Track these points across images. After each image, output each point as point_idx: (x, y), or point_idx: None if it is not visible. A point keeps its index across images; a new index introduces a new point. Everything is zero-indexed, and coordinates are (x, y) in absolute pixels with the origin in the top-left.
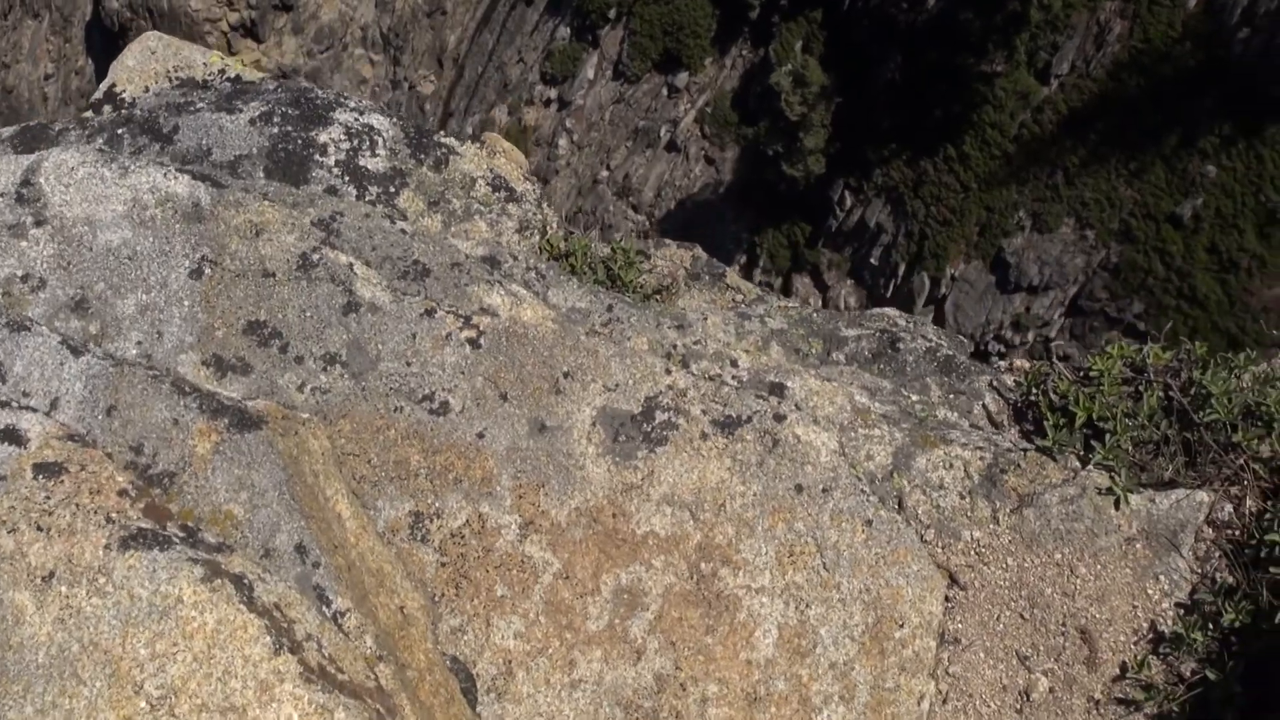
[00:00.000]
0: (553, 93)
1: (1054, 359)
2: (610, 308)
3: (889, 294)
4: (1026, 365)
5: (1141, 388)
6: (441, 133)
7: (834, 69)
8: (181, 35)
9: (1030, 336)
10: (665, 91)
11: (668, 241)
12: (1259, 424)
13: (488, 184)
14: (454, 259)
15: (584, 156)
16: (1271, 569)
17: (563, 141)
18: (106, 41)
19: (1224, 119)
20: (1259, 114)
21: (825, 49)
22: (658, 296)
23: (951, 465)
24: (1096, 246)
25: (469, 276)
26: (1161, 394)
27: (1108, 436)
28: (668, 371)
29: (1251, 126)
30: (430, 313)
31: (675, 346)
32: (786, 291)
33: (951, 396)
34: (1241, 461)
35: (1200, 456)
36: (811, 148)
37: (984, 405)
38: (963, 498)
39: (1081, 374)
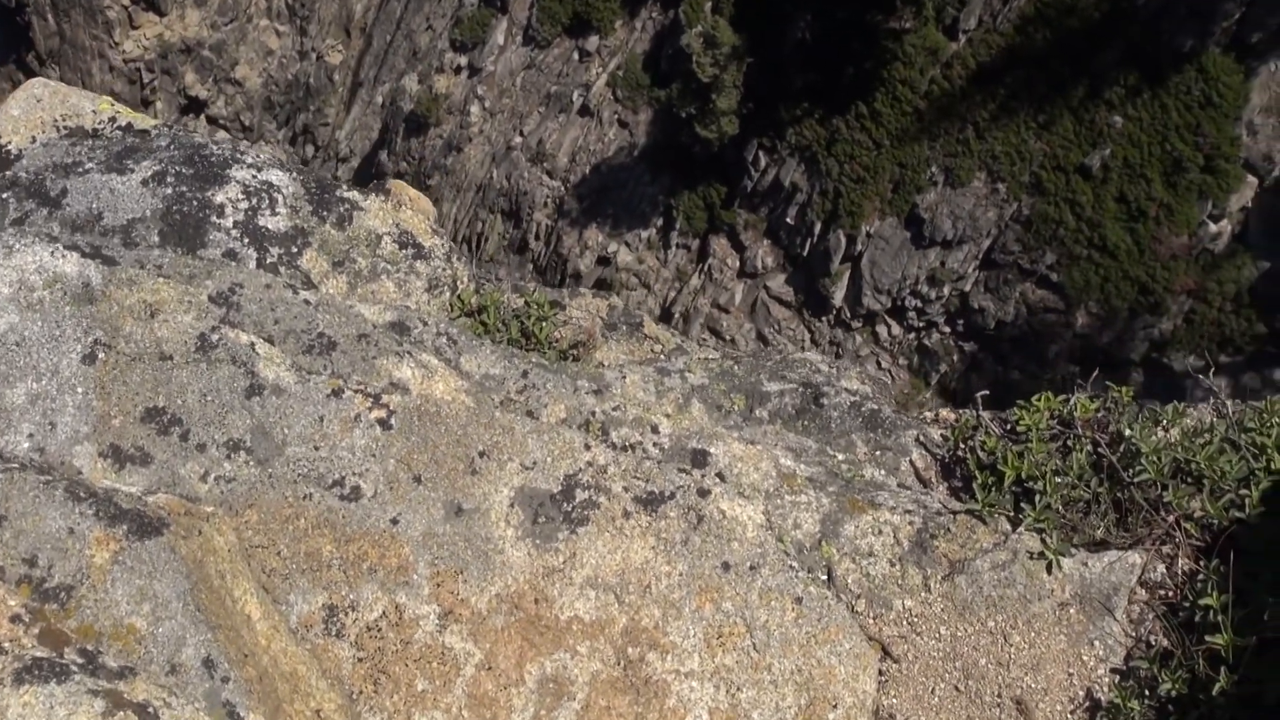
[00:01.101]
0: (463, 60)
1: (980, 411)
2: (525, 373)
3: (805, 253)
4: (953, 417)
5: (1070, 442)
6: (344, 185)
7: (744, 29)
8: (82, 13)
9: (946, 291)
10: (576, 56)
11: (583, 291)
12: (1189, 481)
13: (394, 241)
14: (360, 329)
15: (496, 123)
16: (1206, 637)
17: (474, 109)
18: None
19: (1129, 70)
20: (1163, 64)
21: (735, 9)
22: (575, 351)
23: (881, 531)
24: (1008, 199)
25: (377, 348)
26: (1090, 450)
27: (1037, 496)
28: (587, 447)
29: (1156, 76)
30: (337, 393)
31: (594, 414)
32: (703, 254)
33: (878, 453)
34: (1173, 520)
35: (1131, 515)
36: (724, 109)
37: (911, 461)
38: (893, 565)
39: (1008, 427)
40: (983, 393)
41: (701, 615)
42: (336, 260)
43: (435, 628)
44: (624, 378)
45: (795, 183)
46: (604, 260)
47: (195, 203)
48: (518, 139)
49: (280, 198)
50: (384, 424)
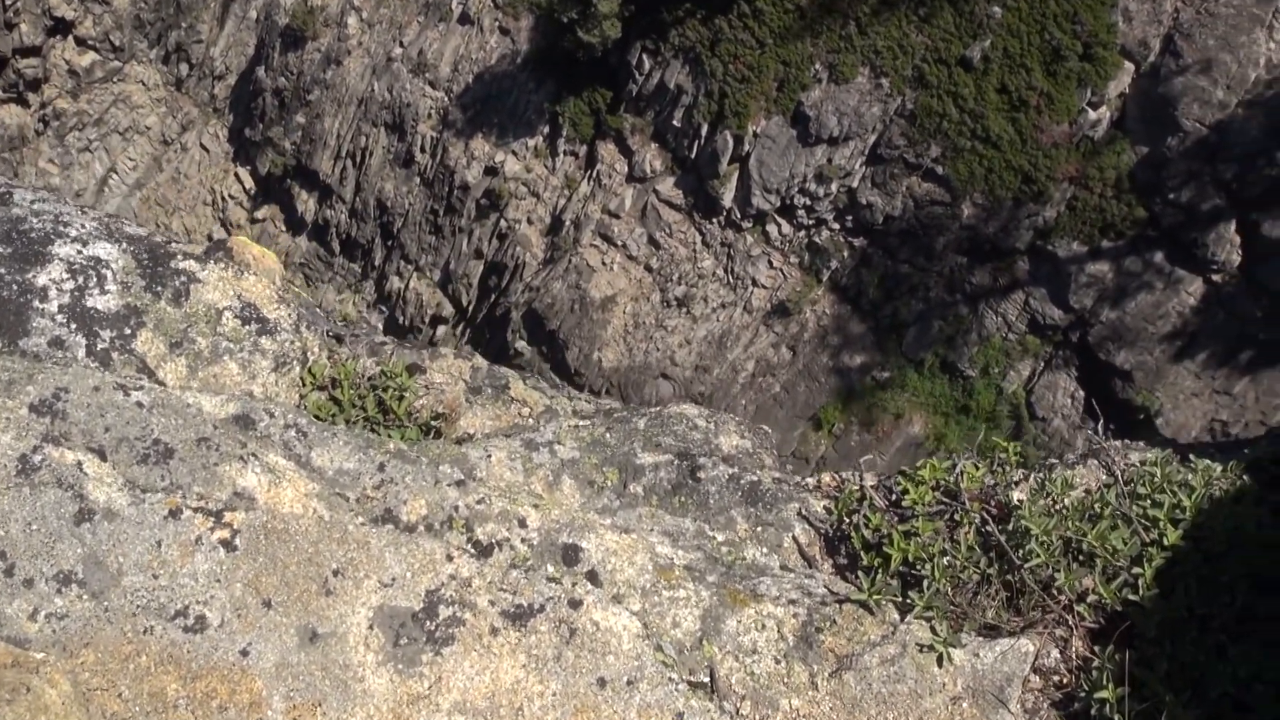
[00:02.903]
0: None
1: (863, 479)
2: (382, 466)
3: (693, 155)
4: (835, 481)
5: (958, 516)
6: (179, 255)
7: None
8: None
9: (834, 188)
10: None
11: (444, 351)
12: (1081, 560)
13: (236, 316)
14: (200, 432)
15: (375, 35)
16: None
17: (352, 20)
18: None
19: None
20: None
21: None
22: (437, 424)
23: (764, 626)
24: (891, 94)
25: (218, 453)
26: (979, 525)
27: (925, 581)
28: (449, 558)
29: None
30: (175, 513)
31: (457, 508)
32: (591, 160)
33: (759, 530)
34: (1065, 602)
35: (1023, 597)
36: (606, 12)
37: (794, 537)
38: (778, 662)
39: (893, 499)
40: (866, 458)
41: None
42: (174, 341)
43: None
44: (489, 456)
45: (680, 85)
46: (491, 170)
47: (15, 287)
48: (398, 50)
49: (110, 274)
50: (228, 545)
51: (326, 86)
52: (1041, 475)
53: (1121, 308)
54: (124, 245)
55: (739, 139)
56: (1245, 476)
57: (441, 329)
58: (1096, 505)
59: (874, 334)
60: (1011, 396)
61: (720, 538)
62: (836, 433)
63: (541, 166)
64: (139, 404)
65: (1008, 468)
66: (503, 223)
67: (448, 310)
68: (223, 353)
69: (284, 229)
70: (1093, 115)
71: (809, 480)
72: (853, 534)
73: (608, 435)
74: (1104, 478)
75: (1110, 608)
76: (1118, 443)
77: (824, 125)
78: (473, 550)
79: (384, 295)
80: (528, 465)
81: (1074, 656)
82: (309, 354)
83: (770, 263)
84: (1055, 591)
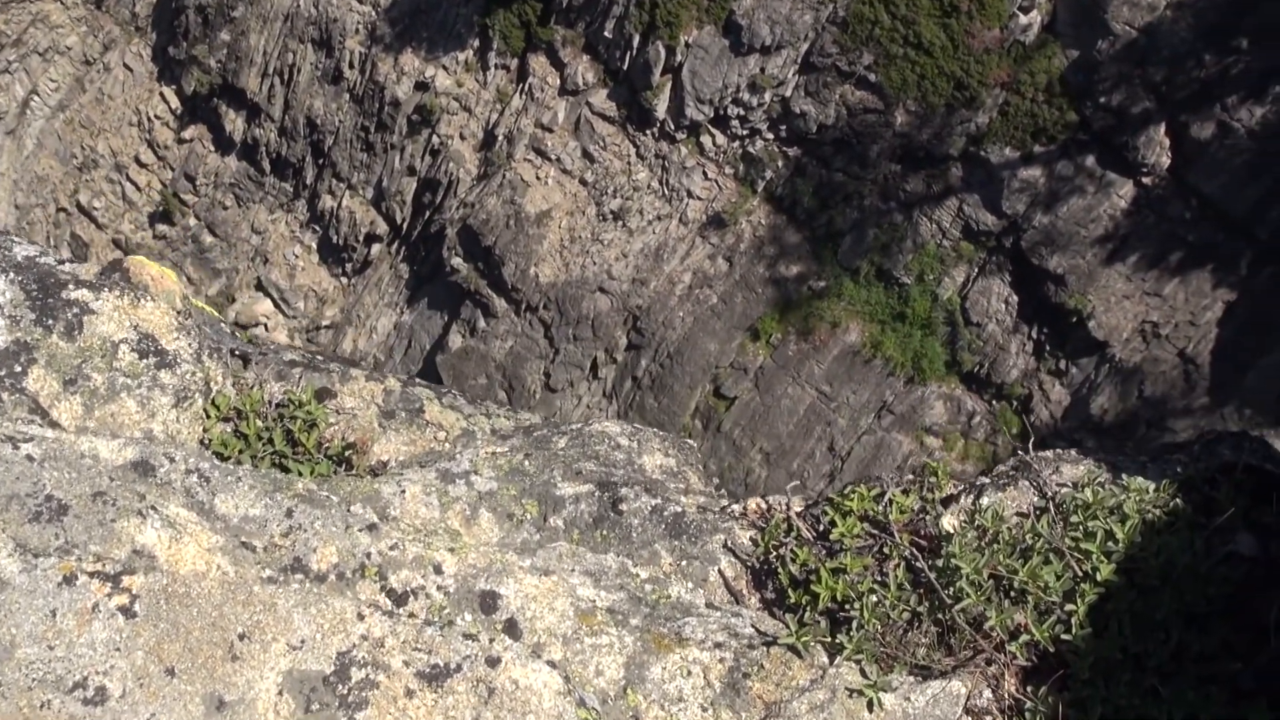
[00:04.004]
0: None
1: (790, 507)
2: (290, 511)
3: (625, 66)
4: (761, 509)
5: (887, 549)
6: (71, 283)
7: None
8: None
9: (767, 97)
10: None
11: (354, 373)
12: (1012, 597)
13: (133, 349)
14: (96, 485)
15: None
16: None
17: None
18: None
19: None
20: None
21: None
22: (349, 454)
23: (690, 672)
24: (823, 1)
25: (116, 508)
26: (908, 559)
27: (855, 621)
28: (360, 616)
29: None
30: (70, 580)
31: (369, 556)
32: (522, 74)
33: (684, 563)
34: (997, 640)
35: (954, 636)
36: None
37: (720, 571)
38: (705, 710)
39: (820, 530)
40: (792, 484)
41: None
42: (68, 379)
43: None
44: (403, 492)
45: None
46: (422, 86)
47: None
48: None
49: None
50: (127, 611)
51: (251, 2)
52: (972, 499)
53: (1054, 212)
54: (11, 275)
55: (671, 50)
56: (1178, 498)
57: (376, 247)
58: (1028, 537)
59: (809, 243)
60: (946, 303)
61: (644, 574)
62: (774, 342)
63: (473, 81)
64: (29, 457)
65: (936, 491)
66: (435, 139)
67: (382, 228)
68: (120, 389)
69: (212, 149)
70: (1023, 19)
71: (734, 507)
72: (780, 569)
73: (526, 463)
74: (1035, 500)
75: (1043, 646)
76: (1048, 454)
77: (756, 34)
78: (387, 600)
79: (316, 214)
80: (444, 499)
81: (1006, 697)
82: (212, 384)
83: (705, 174)
84: (987, 630)
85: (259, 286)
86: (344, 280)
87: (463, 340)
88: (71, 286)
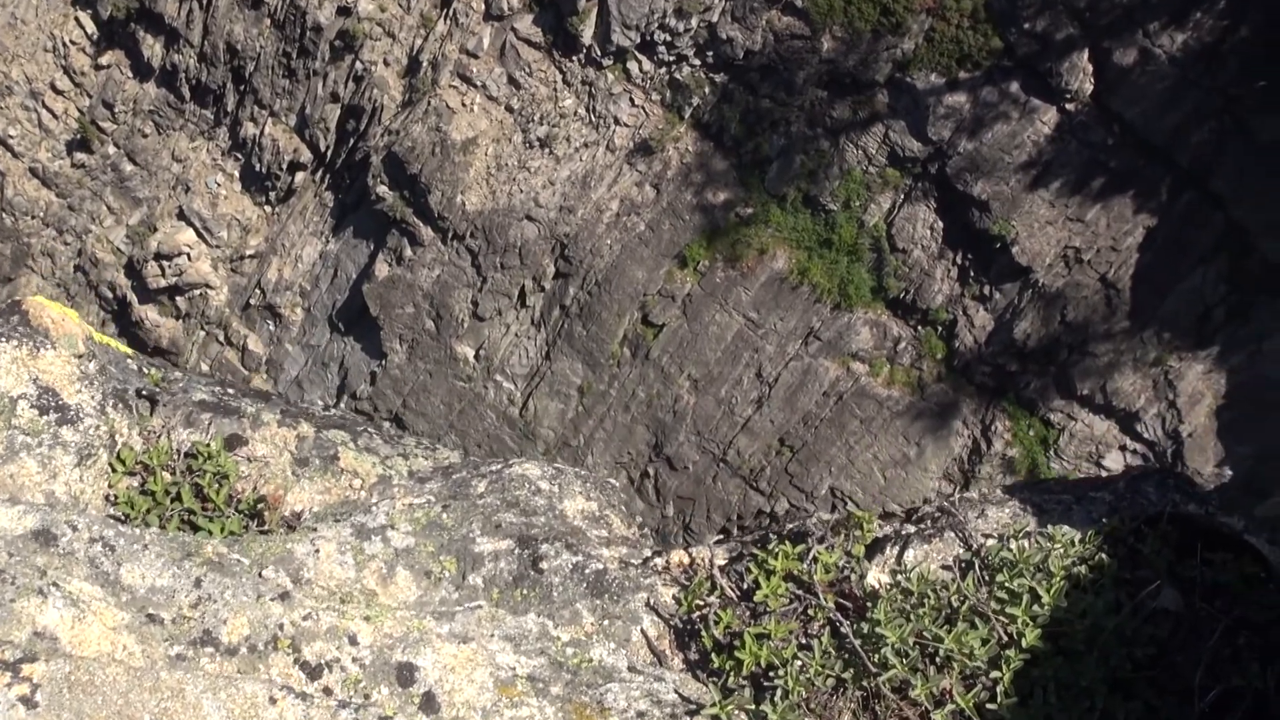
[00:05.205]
0: None
1: (713, 562)
2: (199, 581)
3: None
4: (684, 563)
5: (812, 610)
6: None
7: None
8: None
9: (694, 23)
10: None
11: (266, 418)
12: (937, 663)
13: (32, 405)
14: None
15: None
16: None
17: None
18: None
19: None
20: None
21: None
22: (261, 506)
23: None
24: None
25: (15, 587)
26: (834, 625)
27: (779, 689)
28: (272, 700)
29: None
30: None
31: (282, 627)
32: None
33: (606, 623)
34: (923, 708)
35: (879, 703)
36: None
37: (643, 630)
38: None
39: (744, 588)
40: (716, 539)
41: None
42: None
43: None
44: (317, 551)
45: None
46: (344, 10)
47: None
48: None
49: None
50: (28, 702)
51: None
52: (897, 551)
53: (978, 138)
54: None
55: None
56: (1103, 552)
57: (300, 175)
58: (954, 599)
59: (736, 170)
60: (873, 229)
61: (565, 637)
62: (702, 270)
63: (396, 5)
64: None
65: (861, 542)
66: (358, 65)
67: (305, 156)
68: (19, 449)
69: (130, 75)
70: None
71: (657, 561)
72: (703, 631)
73: (444, 515)
74: (961, 552)
75: (968, 715)
76: (973, 495)
77: None
78: (301, 673)
79: (239, 142)
80: (359, 557)
81: None
82: (117, 436)
83: (632, 101)
84: (913, 697)
85: (181, 216)
86: (268, 209)
87: (389, 269)
88: None
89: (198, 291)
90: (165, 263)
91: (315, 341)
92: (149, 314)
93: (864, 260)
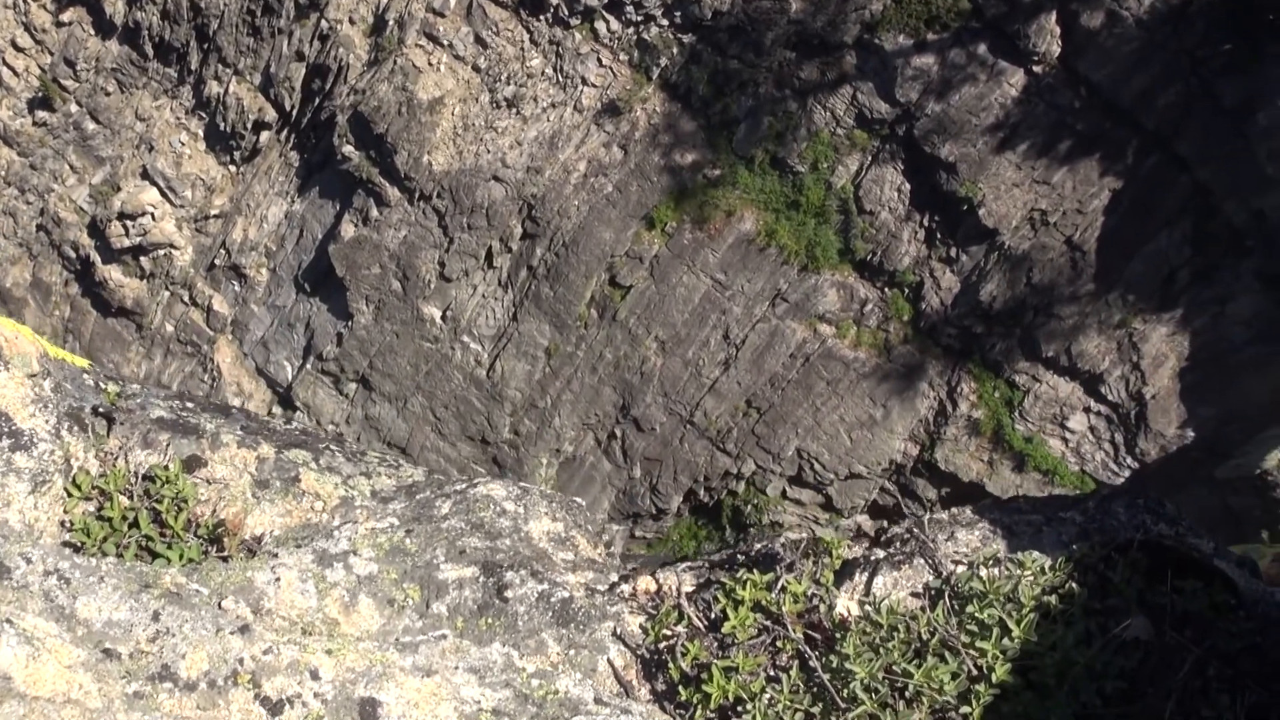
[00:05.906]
0: None
1: (680, 589)
2: (156, 615)
3: None
4: (651, 590)
5: (780, 642)
6: None
7: None
8: None
9: None
10: None
11: (226, 438)
12: (907, 697)
13: None
14: None
15: None
16: None
17: None
18: None
19: None
20: None
21: None
22: (221, 530)
23: None
24: None
25: None
26: (802, 659)
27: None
28: None
29: None
30: None
31: (242, 662)
32: None
33: (572, 653)
34: None
35: None
36: None
37: (609, 660)
38: None
39: (711, 619)
40: (684, 565)
41: None
42: None
43: None
44: (278, 580)
45: None
46: None
47: None
48: None
49: None
50: None
51: None
52: (866, 578)
53: (946, 100)
54: None
55: None
56: (1073, 580)
57: (265, 135)
58: (924, 631)
59: (704, 131)
60: (840, 191)
61: (530, 668)
62: (669, 231)
63: None
64: None
65: (830, 569)
66: (324, 23)
67: (270, 115)
68: None
69: (92, 32)
70: None
71: (624, 587)
72: (671, 662)
73: (408, 540)
74: (931, 579)
75: None
76: (943, 516)
77: None
78: (262, 709)
79: (203, 101)
80: (321, 585)
81: None
82: (72, 461)
83: (599, 61)
84: None
85: (145, 175)
86: (232, 168)
87: (355, 229)
88: None
89: (162, 252)
90: (129, 222)
91: (281, 302)
92: (113, 274)
93: (831, 222)
